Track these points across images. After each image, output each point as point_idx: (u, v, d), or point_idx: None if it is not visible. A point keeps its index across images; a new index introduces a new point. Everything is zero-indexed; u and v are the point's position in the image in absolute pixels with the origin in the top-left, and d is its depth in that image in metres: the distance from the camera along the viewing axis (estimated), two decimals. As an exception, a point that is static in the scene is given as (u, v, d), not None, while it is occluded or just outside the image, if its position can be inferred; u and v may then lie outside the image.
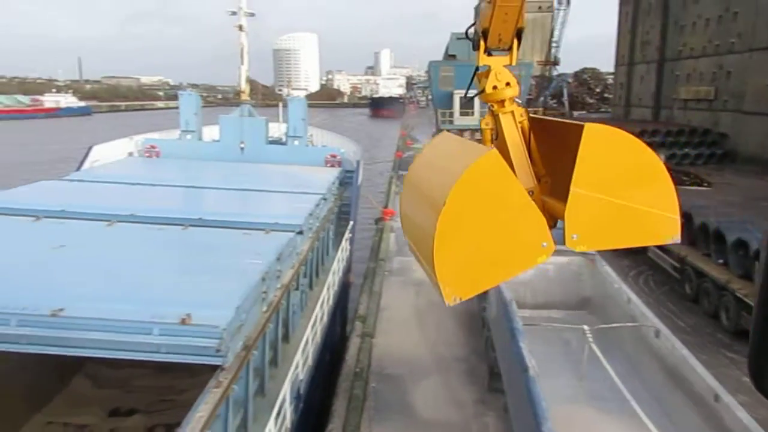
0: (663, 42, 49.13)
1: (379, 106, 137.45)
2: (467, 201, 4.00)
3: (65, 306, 6.23)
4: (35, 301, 6.31)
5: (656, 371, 9.11)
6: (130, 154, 18.30)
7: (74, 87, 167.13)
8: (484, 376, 11.55)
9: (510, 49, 4.85)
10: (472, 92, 5.13)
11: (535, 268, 13.24)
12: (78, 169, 15.79)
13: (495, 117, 4.85)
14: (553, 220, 4.49)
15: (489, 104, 4.86)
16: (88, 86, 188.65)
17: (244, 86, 19.71)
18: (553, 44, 69.14)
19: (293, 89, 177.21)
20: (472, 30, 5.01)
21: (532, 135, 4.82)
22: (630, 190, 4.27)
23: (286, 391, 7.86)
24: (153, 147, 18.37)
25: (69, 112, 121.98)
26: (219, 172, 16.41)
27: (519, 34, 4.77)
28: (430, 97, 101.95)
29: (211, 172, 16.41)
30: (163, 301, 6.61)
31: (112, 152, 17.50)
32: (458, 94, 49.04)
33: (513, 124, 4.79)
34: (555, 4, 69.40)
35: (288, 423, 7.97)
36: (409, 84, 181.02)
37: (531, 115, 4.90)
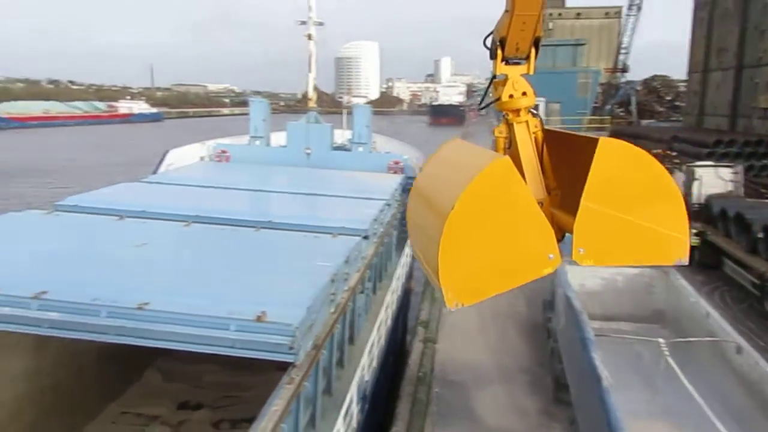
0: (741, 48, 46.82)
1: (438, 113, 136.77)
2: (476, 206, 3.98)
3: (150, 300, 6.54)
4: (122, 295, 6.65)
5: (737, 389, 8.68)
6: (202, 158, 18.98)
7: (146, 94, 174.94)
8: (548, 386, 11.32)
9: (527, 58, 4.83)
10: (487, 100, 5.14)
11: (605, 278, 12.79)
12: (155, 171, 16.50)
13: (509, 126, 4.85)
14: (561, 232, 4.46)
15: (504, 113, 4.88)
16: (159, 93, 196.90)
17: (312, 93, 20.13)
18: (623, 51, 66.97)
19: (354, 96, 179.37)
20: (489, 39, 4.99)
21: (545, 146, 4.81)
22: (641, 208, 4.20)
23: (353, 392, 7.95)
24: (224, 152, 18.99)
25: (142, 117, 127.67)
26: (287, 176, 16.81)
27: (537, 43, 4.75)
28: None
29: (279, 176, 16.83)
30: (238, 299, 6.81)
31: (185, 156, 18.21)
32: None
33: (527, 134, 4.78)
34: (625, 10, 67.39)
35: (354, 423, 8.06)
36: (470, 91, 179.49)
37: (545, 127, 4.91)
